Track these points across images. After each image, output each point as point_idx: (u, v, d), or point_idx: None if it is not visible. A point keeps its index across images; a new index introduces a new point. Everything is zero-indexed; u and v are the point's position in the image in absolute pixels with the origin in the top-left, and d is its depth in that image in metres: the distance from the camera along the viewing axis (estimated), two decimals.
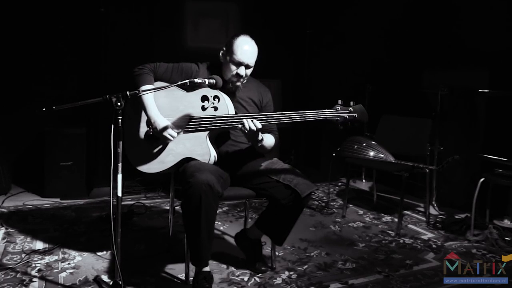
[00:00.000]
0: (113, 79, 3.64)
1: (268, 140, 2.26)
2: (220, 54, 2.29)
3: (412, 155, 3.22)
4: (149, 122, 2.24)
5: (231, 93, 2.27)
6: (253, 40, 2.25)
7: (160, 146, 2.23)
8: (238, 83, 2.26)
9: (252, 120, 2.05)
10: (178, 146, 2.20)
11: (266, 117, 2.10)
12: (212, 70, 2.30)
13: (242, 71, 2.22)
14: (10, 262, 2.39)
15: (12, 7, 3.73)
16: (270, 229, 2.34)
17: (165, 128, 2.15)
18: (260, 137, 2.13)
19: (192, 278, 2.15)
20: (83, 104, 1.89)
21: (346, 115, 2.08)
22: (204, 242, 2.02)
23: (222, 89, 2.20)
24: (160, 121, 2.16)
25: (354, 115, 2.09)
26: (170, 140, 2.18)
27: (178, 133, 2.18)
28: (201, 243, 2.02)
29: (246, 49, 2.20)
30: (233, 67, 2.21)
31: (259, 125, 2.06)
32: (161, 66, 2.27)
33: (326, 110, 2.09)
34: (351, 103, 2.11)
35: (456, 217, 3.31)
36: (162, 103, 2.21)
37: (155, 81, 2.25)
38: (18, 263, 2.37)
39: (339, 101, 2.11)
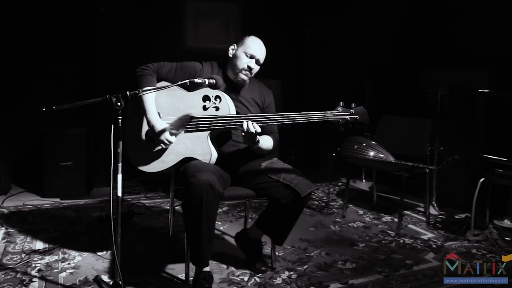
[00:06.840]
0: (113, 78, 3.65)
1: (266, 142, 2.25)
2: (230, 49, 2.33)
3: (412, 155, 3.21)
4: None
5: (233, 92, 2.27)
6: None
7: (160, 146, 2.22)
8: (246, 78, 2.28)
9: (252, 123, 2.04)
10: (179, 146, 2.19)
11: (268, 118, 2.10)
12: (217, 70, 2.30)
13: (253, 64, 2.27)
14: (10, 262, 2.39)
15: (13, 7, 3.73)
16: (270, 229, 2.34)
17: (163, 132, 2.13)
18: (256, 139, 2.11)
19: (192, 278, 2.15)
20: (83, 104, 1.89)
21: (347, 117, 2.07)
22: (205, 242, 2.02)
23: (228, 85, 2.22)
24: (159, 125, 2.13)
25: (356, 117, 2.08)
26: (167, 145, 2.16)
27: (176, 135, 2.17)
28: (202, 243, 2.02)
29: (259, 43, 2.30)
30: (245, 59, 2.26)
31: (259, 129, 2.05)
32: (165, 65, 2.26)
33: (328, 112, 2.08)
34: (353, 105, 2.10)
35: (456, 217, 3.31)
36: (163, 103, 2.21)
37: (159, 81, 2.24)
38: (18, 263, 2.37)
39: (341, 103, 2.10)
